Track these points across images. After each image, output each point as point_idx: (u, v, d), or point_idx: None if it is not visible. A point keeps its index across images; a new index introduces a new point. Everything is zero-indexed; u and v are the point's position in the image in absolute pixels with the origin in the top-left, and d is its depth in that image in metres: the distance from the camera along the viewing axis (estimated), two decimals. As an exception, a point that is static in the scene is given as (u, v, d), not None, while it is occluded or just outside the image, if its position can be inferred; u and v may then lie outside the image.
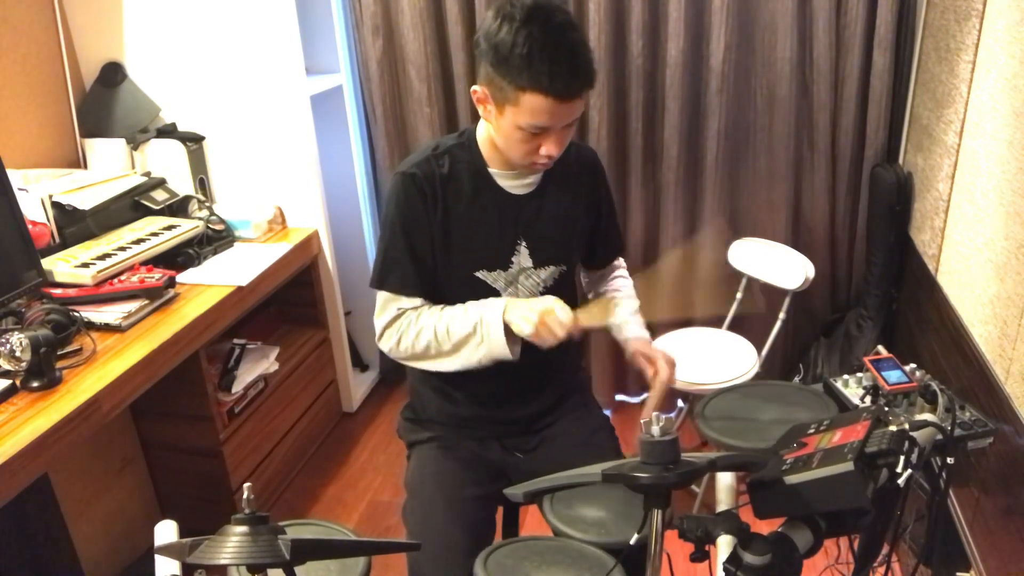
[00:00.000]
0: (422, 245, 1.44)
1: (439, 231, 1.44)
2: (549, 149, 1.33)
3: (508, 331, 1.38)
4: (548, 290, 1.51)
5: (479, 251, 1.46)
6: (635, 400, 2.97)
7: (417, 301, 1.46)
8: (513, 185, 1.46)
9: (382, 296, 1.47)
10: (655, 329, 2.45)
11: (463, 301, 1.47)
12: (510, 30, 1.24)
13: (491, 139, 1.41)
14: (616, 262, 1.73)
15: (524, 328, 1.35)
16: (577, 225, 1.55)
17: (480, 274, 1.46)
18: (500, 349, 1.39)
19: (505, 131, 1.34)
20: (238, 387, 2.29)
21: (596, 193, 1.58)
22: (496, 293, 1.48)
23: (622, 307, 1.63)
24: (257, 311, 2.44)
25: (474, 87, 1.36)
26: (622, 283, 1.71)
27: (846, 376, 1.42)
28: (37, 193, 2.08)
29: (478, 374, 1.48)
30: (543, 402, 1.59)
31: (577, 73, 1.26)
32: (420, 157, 1.45)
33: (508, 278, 1.48)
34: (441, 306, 1.46)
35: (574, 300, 1.62)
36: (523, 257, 1.48)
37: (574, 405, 1.62)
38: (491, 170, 1.45)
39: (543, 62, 1.23)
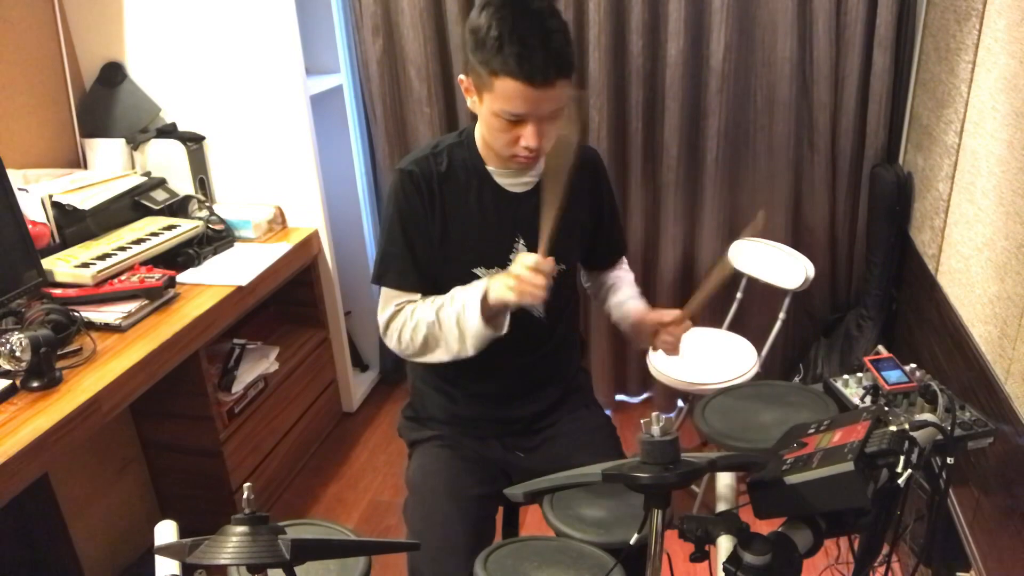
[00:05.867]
0: (420, 242, 1.44)
1: (437, 228, 1.44)
2: (527, 140, 1.32)
3: (496, 310, 1.35)
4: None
5: (477, 248, 1.46)
6: (635, 400, 2.97)
7: (416, 297, 1.46)
8: (511, 183, 1.46)
9: (383, 292, 1.48)
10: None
11: None
12: (487, 15, 1.26)
13: (484, 135, 1.41)
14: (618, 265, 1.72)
15: (508, 297, 1.30)
16: (577, 225, 1.54)
17: (478, 271, 1.46)
18: (482, 332, 1.35)
19: (486, 119, 1.34)
20: (238, 387, 2.29)
21: (597, 193, 1.57)
22: None
23: (622, 291, 1.62)
24: (257, 311, 2.44)
25: (460, 75, 1.36)
26: (622, 275, 1.70)
27: (846, 376, 1.42)
28: (37, 193, 2.08)
29: (479, 373, 1.48)
30: (544, 401, 1.59)
31: (549, 59, 1.24)
32: (420, 154, 1.45)
33: None
34: (433, 298, 1.45)
35: (574, 301, 1.62)
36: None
37: (575, 405, 1.62)
38: (489, 168, 1.45)
39: (513, 45, 1.23)
